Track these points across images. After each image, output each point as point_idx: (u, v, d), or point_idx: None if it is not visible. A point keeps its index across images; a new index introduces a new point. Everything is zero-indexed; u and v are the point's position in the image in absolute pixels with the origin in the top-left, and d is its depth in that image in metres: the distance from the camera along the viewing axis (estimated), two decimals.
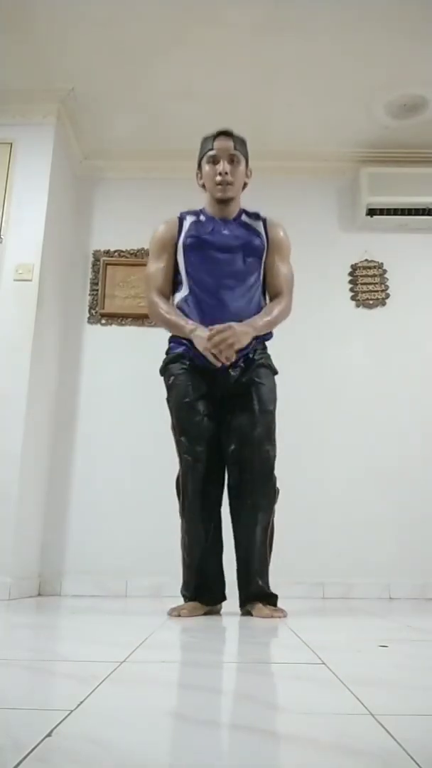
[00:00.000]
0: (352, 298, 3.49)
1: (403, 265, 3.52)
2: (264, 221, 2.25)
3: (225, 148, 2.17)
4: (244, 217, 2.25)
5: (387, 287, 3.49)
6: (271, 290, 2.23)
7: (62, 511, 3.17)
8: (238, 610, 2.10)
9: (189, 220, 2.22)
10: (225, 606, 2.17)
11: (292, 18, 2.76)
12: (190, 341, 2.06)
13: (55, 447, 3.24)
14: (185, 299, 2.15)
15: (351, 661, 1.20)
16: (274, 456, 2.07)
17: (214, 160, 2.18)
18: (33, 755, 0.58)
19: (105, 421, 3.27)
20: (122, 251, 3.54)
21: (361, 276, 3.51)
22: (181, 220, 2.24)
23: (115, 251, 3.54)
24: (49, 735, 0.64)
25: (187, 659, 1.27)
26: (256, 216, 2.27)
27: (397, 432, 3.26)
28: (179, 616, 1.95)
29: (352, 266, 3.53)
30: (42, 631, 1.78)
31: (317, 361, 3.34)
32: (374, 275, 3.51)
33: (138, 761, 0.59)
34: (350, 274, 3.53)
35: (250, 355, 2.12)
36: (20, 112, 3.21)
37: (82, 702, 0.79)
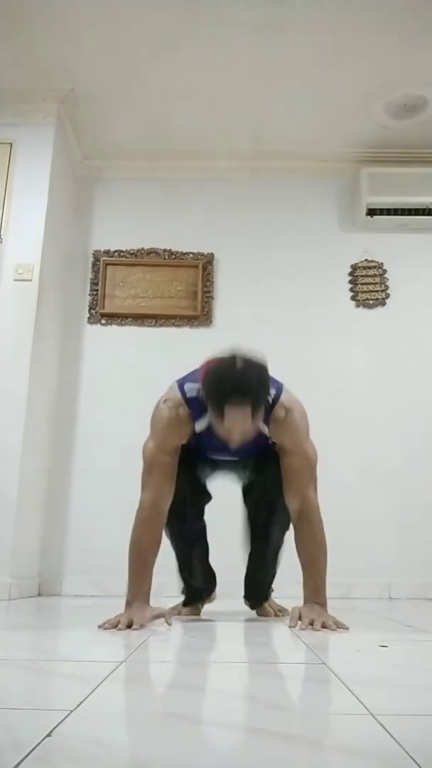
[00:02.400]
0: (352, 298, 3.49)
1: (403, 265, 3.52)
2: (269, 422, 1.82)
3: (239, 422, 1.65)
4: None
5: (387, 287, 3.49)
6: (290, 496, 1.87)
7: (62, 511, 3.17)
8: (235, 610, 2.10)
9: (199, 428, 1.83)
10: (224, 606, 2.17)
11: (292, 18, 2.76)
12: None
13: (55, 447, 3.24)
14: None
15: (351, 661, 1.20)
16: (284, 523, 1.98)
17: (225, 427, 1.68)
18: (33, 755, 0.58)
19: (105, 420, 3.27)
20: (122, 251, 3.54)
21: (361, 276, 3.51)
22: (192, 415, 1.82)
23: (115, 251, 3.55)
24: (49, 735, 0.64)
25: (187, 659, 1.27)
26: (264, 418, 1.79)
27: (397, 432, 3.26)
28: (179, 614, 1.97)
29: (352, 266, 3.53)
30: (42, 631, 1.78)
31: (317, 361, 3.34)
32: (374, 275, 3.51)
33: (138, 761, 0.59)
34: (350, 274, 3.53)
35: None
36: (20, 112, 3.21)
37: (82, 702, 0.79)
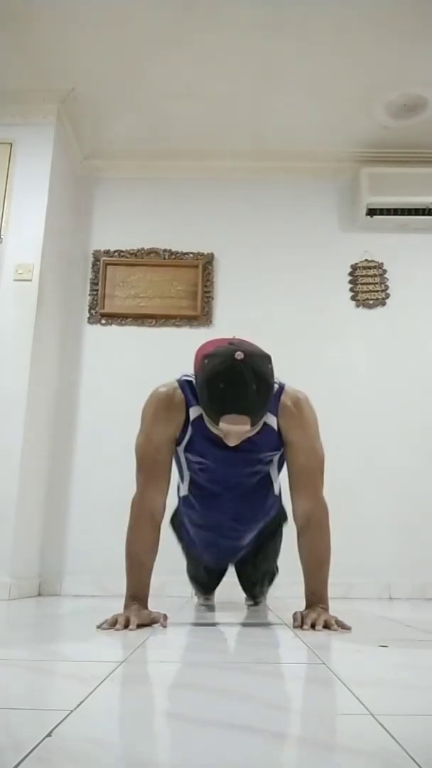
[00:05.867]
0: (352, 298, 3.49)
1: (403, 265, 3.52)
2: (277, 412, 1.71)
3: (237, 432, 1.55)
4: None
5: (387, 287, 3.49)
6: (296, 495, 1.77)
7: (62, 511, 3.16)
8: (235, 609, 2.11)
9: (192, 430, 1.72)
10: (223, 605, 2.17)
11: (292, 18, 2.76)
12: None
13: (55, 447, 3.24)
14: (186, 501, 1.91)
15: (351, 661, 1.20)
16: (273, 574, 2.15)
17: (221, 430, 1.57)
18: (33, 755, 0.58)
19: (105, 421, 3.27)
20: (122, 251, 3.54)
21: (361, 276, 3.51)
22: (187, 414, 1.71)
23: (115, 251, 3.55)
24: (49, 735, 0.64)
25: (187, 659, 1.27)
26: (269, 410, 1.65)
27: (397, 432, 3.26)
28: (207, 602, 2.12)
29: (352, 266, 3.53)
30: (42, 631, 1.78)
31: (317, 361, 3.34)
32: (374, 275, 3.50)
33: (138, 761, 0.59)
34: (350, 274, 3.53)
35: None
36: (20, 112, 3.20)
37: (82, 702, 0.79)
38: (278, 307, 3.45)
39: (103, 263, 3.51)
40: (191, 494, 1.86)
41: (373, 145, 3.56)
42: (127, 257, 3.54)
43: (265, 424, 1.66)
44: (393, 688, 0.96)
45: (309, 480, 1.74)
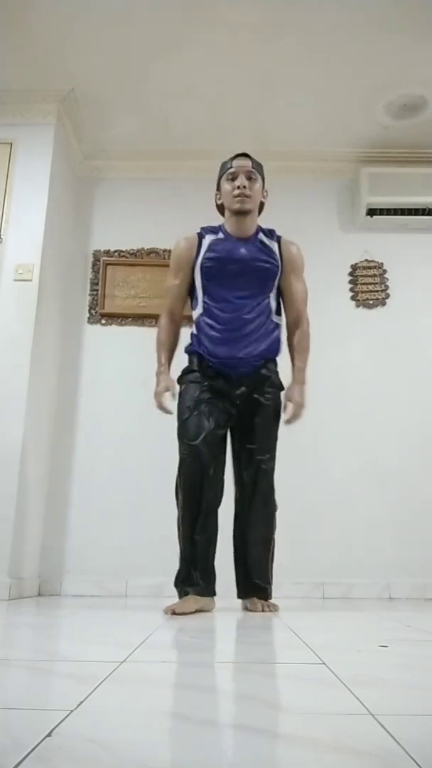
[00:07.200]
0: (352, 298, 3.49)
1: (403, 265, 3.52)
2: (279, 240, 2.35)
3: (243, 166, 2.30)
4: (260, 236, 2.33)
5: (387, 287, 3.49)
6: (289, 311, 2.34)
7: (62, 511, 3.17)
8: (235, 608, 2.10)
9: (208, 239, 2.31)
10: (223, 604, 2.17)
11: (292, 18, 2.76)
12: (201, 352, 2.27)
13: (55, 447, 3.24)
14: (201, 317, 2.28)
15: (351, 661, 1.20)
16: (273, 470, 2.24)
17: (233, 177, 2.30)
18: (33, 755, 0.58)
19: (105, 421, 3.27)
20: (122, 251, 3.54)
21: (361, 276, 3.51)
22: (200, 237, 2.33)
23: (115, 251, 3.55)
24: (49, 735, 0.64)
25: (187, 659, 1.27)
26: (271, 234, 2.35)
27: (396, 432, 3.26)
28: (174, 613, 1.96)
29: (352, 266, 3.53)
30: (42, 631, 1.78)
31: (317, 361, 3.31)
32: (374, 275, 3.51)
33: (138, 761, 0.59)
34: (350, 274, 3.53)
35: (262, 371, 2.24)
36: (20, 112, 3.21)
37: (82, 702, 0.79)
38: None
39: (103, 263, 3.51)
40: (204, 314, 2.29)
41: (373, 145, 3.56)
42: (127, 257, 3.54)
43: (270, 249, 2.30)
44: (393, 688, 0.96)
45: (298, 298, 2.33)
